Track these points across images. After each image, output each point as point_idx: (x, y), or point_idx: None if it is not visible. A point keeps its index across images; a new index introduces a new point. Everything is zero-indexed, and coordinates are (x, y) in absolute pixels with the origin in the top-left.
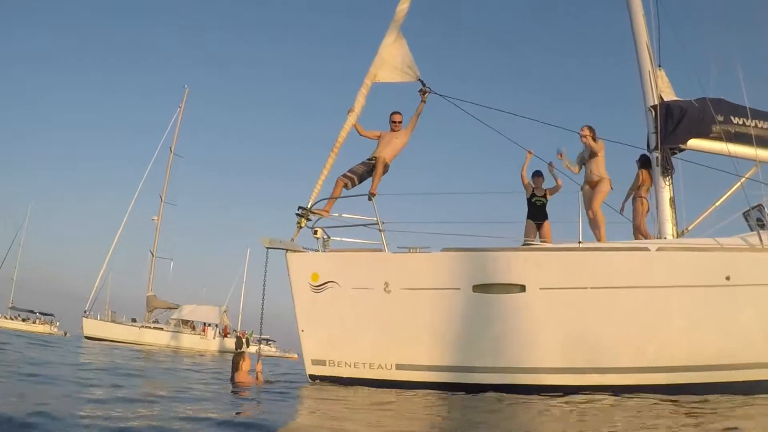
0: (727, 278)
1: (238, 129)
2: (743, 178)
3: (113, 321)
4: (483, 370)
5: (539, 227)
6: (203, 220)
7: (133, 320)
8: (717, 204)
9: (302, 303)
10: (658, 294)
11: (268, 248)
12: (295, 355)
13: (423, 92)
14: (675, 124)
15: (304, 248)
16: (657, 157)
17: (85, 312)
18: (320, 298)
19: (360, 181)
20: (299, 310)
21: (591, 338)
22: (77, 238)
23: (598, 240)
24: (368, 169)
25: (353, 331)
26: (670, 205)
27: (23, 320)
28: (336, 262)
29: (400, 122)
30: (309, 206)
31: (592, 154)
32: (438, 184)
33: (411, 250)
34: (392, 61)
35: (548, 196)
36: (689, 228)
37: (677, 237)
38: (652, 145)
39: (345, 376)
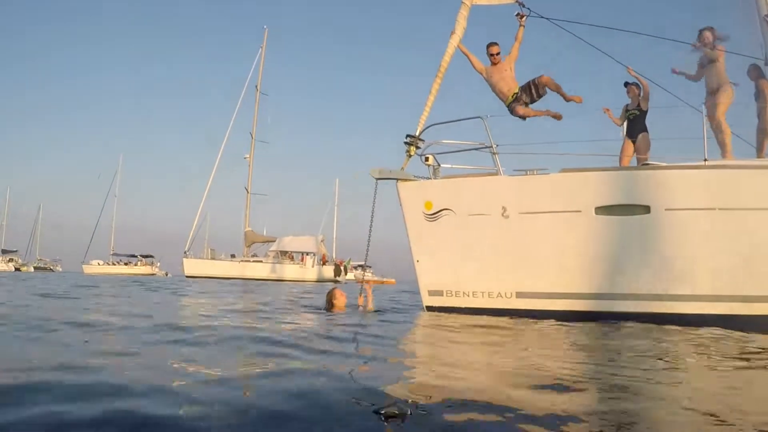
0: None
1: (324, 62)
2: None
3: (213, 258)
4: (606, 296)
5: (635, 142)
6: (294, 156)
7: (232, 256)
8: None
9: (416, 233)
10: None
11: (378, 179)
12: (393, 280)
13: (521, 16)
14: None
15: (415, 177)
16: None
17: (185, 252)
18: (435, 227)
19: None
20: (413, 239)
21: (720, 263)
22: (172, 181)
23: (724, 155)
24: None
25: (471, 260)
26: None
27: (125, 264)
28: (450, 188)
29: (498, 54)
30: (417, 133)
31: (711, 61)
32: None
33: (528, 173)
34: None
35: (643, 107)
36: None
37: None
38: None
39: (463, 306)
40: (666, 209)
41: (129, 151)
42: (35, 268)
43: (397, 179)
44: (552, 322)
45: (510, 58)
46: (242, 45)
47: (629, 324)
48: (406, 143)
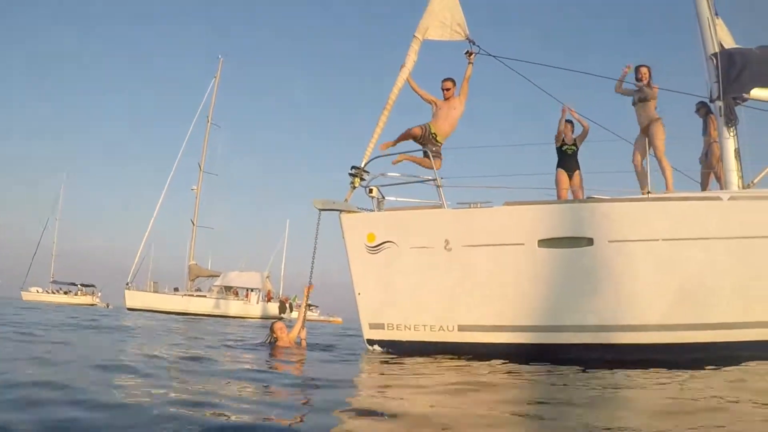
0: None
1: (277, 95)
2: None
3: (155, 291)
4: (549, 329)
5: (570, 177)
6: (243, 189)
7: (176, 289)
8: None
9: (358, 265)
10: (732, 245)
11: (321, 210)
12: (340, 319)
13: (470, 53)
14: (737, 72)
15: (358, 208)
16: (720, 107)
17: (127, 284)
18: (377, 259)
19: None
20: (355, 272)
21: (662, 293)
22: (117, 210)
23: (667, 188)
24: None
25: (412, 293)
26: (735, 157)
27: (65, 293)
28: (393, 221)
29: (452, 89)
30: (363, 165)
31: (644, 98)
32: (495, 138)
33: (471, 206)
34: (441, 17)
35: (578, 144)
36: (755, 181)
37: (743, 189)
38: (714, 94)
39: (404, 339)
40: (609, 241)
41: (74, 171)
42: None
43: (341, 210)
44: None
45: (461, 95)
46: (195, 73)
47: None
48: (350, 174)
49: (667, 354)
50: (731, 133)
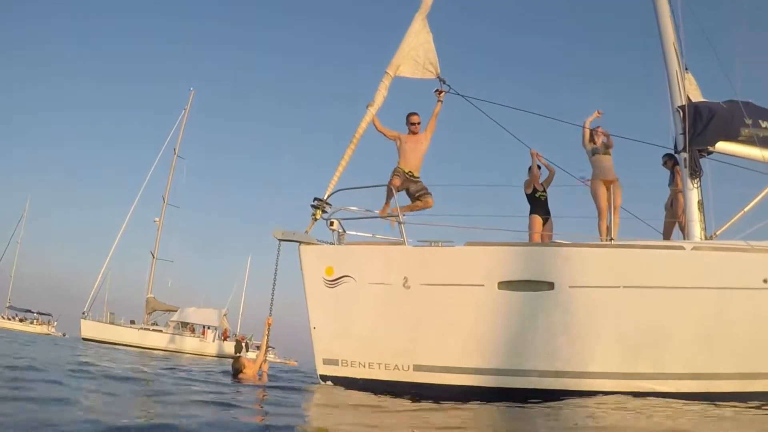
0: (765, 281)
1: (243, 132)
2: None
3: (112, 323)
4: (505, 372)
5: (544, 223)
6: (205, 223)
7: (132, 322)
8: (746, 209)
9: (315, 298)
10: (693, 294)
11: (280, 240)
12: (296, 362)
13: (439, 92)
14: (703, 125)
15: (318, 241)
16: (685, 159)
17: (83, 313)
18: (334, 294)
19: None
20: (311, 305)
21: (622, 340)
22: (78, 237)
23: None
24: (407, 186)
25: (369, 329)
26: (699, 208)
27: (20, 320)
28: (352, 255)
29: (418, 123)
30: (325, 197)
31: (608, 151)
32: (459, 177)
33: (432, 244)
34: (414, 55)
35: (546, 189)
36: (718, 233)
37: (705, 240)
38: (680, 146)
39: (358, 377)
40: (570, 286)
41: (38, 195)
42: None
43: (300, 242)
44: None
45: (427, 130)
46: (165, 103)
47: None
48: (312, 206)
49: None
50: (695, 185)
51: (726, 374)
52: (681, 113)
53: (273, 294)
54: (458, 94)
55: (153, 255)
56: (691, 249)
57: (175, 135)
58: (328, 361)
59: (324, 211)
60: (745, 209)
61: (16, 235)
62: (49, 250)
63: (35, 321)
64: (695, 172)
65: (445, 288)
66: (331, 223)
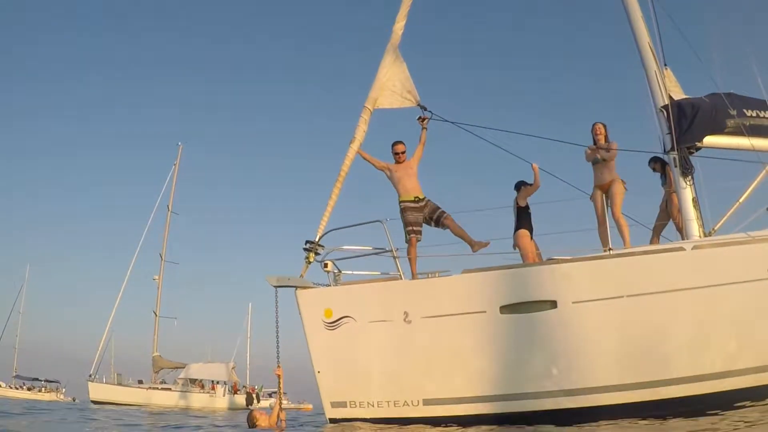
0: None
1: (235, 179)
2: (765, 170)
3: (119, 384)
4: (518, 397)
5: (531, 238)
6: (205, 276)
7: (140, 382)
8: (741, 200)
9: (316, 342)
10: (701, 294)
11: (276, 287)
12: (310, 406)
13: (422, 119)
14: (689, 122)
15: (314, 284)
16: (674, 158)
17: (90, 376)
18: (335, 335)
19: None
20: (313, 349)
21: (635, 350)
22: (79, 301)
23: (625, 246)
24: (422, 213)
25: (373, 368)
26: (694, 206)
27: (28, 389)
28: (349, 295)
29: (404, 152)
30: (317, 239)
31: (604, 156)
32: (451, 204)
33: (429, 275)
34: (391, 86)
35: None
36: (716, 228)
37: (705, 238)
38: (668, 146)
39: (368, 417)
40: (573, 302)
41: (36, 263)
42: None
43: (296, 287)
44: None
45: (415, 157)
46: (155, 160)
47: None
48: (305, 249)
49: (642, 412)
50: (688, 183)
51: (745, 370)
52: (665, 113)
53: (278, 342)
54: (442, 120)
55: (155, 313)
56: (692, 248)
57: (167, 191)
58: (336, 404)
59: (317, 253)
60: (740, 200)
61: (18, 305)
62: (52, 318)
63: (43, 389)
64: (687, 170)
65: (446, 318)
66: (325, 265)
